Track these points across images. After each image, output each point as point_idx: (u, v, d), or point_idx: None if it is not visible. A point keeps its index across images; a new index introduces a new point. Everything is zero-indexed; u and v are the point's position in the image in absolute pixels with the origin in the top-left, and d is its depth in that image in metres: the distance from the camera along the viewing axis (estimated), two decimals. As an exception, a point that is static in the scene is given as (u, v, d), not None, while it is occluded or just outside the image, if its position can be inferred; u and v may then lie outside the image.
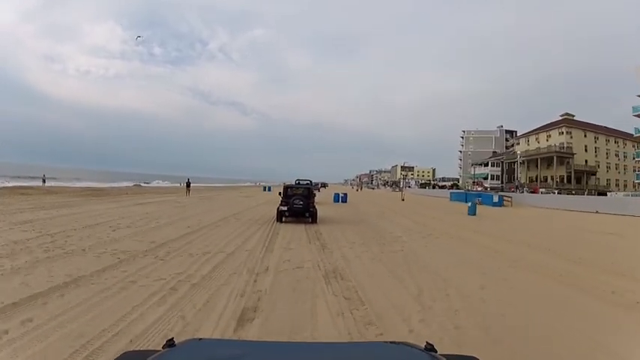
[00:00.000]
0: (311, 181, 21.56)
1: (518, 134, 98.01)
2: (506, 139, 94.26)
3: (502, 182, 74.99)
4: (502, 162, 75.60)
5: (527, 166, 69.77)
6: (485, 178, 74.48)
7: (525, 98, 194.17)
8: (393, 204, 33.78)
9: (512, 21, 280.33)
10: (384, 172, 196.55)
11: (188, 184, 34.87)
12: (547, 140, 69.16)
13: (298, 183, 19.98)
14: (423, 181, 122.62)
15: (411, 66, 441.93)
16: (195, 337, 3.31)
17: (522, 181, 70.86)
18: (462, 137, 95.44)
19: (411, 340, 1.71)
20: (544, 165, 66.73)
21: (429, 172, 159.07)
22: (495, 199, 37.52)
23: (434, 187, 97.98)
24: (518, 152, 60.85)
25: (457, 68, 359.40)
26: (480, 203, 38.72)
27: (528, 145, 72.13)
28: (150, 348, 3.21)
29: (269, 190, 55.41)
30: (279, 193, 18.12)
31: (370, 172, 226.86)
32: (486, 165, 76.04)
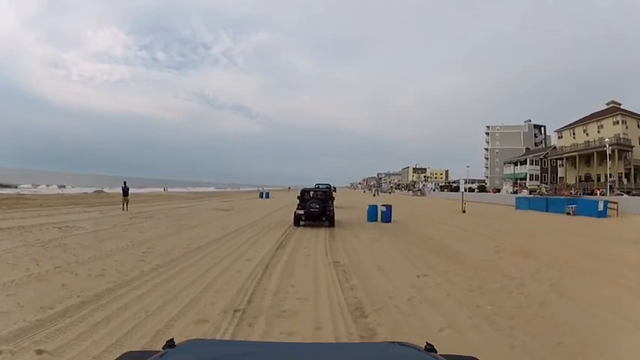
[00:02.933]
0: (330, 185, 19.79)
1: (547, 128, 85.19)
2: (535, 135, 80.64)
3: (541, 182, 61.45)
4: (541, 159, 62.04)
5: (575, 163, 56.27)
6: (524, 179, 60.96)
7: (527, 99, 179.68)
8: (460, 220, 20.79)
9: (516, 23, 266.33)
10: (393, 174, 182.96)
11: (125, 192, 21.75)
12: (599, 132, 55.53)
13: (317, 187, 18.37)
14: (443, 184, 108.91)
15: (415, 68, 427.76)
16: (195, 337, 2.72)
17: (570, 182, 57.63)
18: (487, 133, 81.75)
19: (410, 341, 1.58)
20: (596, 161, 53.35)
21: (441, 174, 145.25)
22: (600, 206, 24.30)
23: (457, 190, 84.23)
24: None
25: (460, 71, 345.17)
26: (574, 213, 25.59)
27: (574, 138, 58.41)
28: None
29: (266, 196, 42.23)
30: (297, 197, 16.67)
31: (378, 174, 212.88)
32: (523, 163, 62.41)
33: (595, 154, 52.06)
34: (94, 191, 47.14)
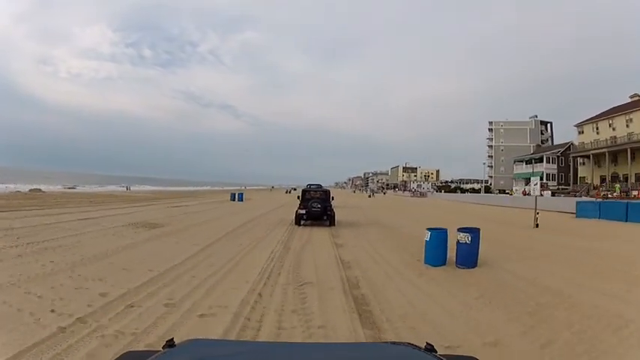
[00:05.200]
0: (321, 185, 18.42)
1: (553, 125, 77.94)
2: (541, 132, 72.92)
3: (559, 182, 53.28)
4: (558, 157, 53.87)
5: (599, 161, 48.26)
6: (541, 178, 52.52)
7: (521, 99, 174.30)
8: (580, 250, 11.38)
9: (509, 25, 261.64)
10: (381, 174, 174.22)
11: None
12: (627, 126, 47.68)
13: (309, 187, 17.50)
14: (438, 184, 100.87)
15: (404, 70, 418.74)
16: (195, 337, 2.37)
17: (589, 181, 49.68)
18: (490, 129, 73.57)
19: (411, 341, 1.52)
20: (629, 158, 45.56)
21: (432, 174, 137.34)
22: None
23: (455, 191, 75.93)
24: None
25: (452, 71, 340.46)
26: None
27: (598, 133, 50.42)
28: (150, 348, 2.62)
29: (240, 198, 32.03)
30: (298, 197, 17.19)
31: (365, 174, 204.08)
32: (538, 161, 54.07)
33: (628, 150, 44.09)
34: (30, 190, 38.03)
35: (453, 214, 23.95)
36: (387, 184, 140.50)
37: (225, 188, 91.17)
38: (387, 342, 1.89)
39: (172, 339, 1.36)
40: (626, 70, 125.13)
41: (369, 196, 58.34)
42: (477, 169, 79.73)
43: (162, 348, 1.30)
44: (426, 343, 1.37)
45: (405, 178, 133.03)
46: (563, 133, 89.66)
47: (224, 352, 1.39)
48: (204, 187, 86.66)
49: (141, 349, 2.99)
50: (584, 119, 53.18)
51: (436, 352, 1.30)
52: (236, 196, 32.40)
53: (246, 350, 1.47)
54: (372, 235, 13.22)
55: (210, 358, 1.26)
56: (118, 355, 1.36)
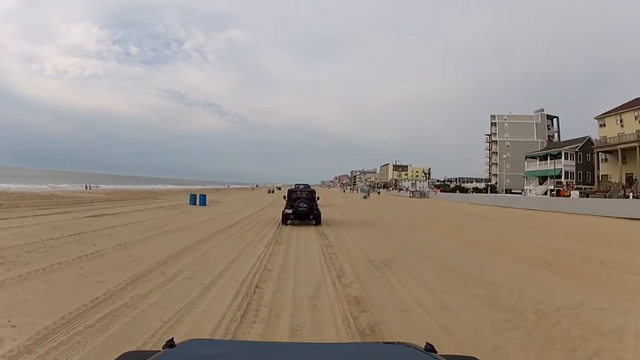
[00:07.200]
0: (309, 185, 18.49)
1: (560, 119, 72.91)
2: (548, 127, 67.62)
3: (577, 180, 47.56)
4: (577, 152, 48.20)
5: (625, 158, 42.75)
6: (559, 176, 46.85)
7: (505, 100, 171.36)
8: None
9: (492, 25, 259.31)
10: (369, 172, 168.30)
11: None
12: (657, 118, 42.37)
13: (297, 187, 17.83)
14: (436, 183, 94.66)
15: (391, 69, 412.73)
16: (196, 337, 2.48)
17: (615, 180, 44.18)
18: (493, 123, 67.76)
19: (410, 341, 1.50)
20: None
21: (425, 172, 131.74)
22: None
23: (455, 190, 69.90)
24: None
25: (433, 71, 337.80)
26: None
27: (622, 126, 44.91)
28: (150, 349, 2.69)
29: (202, 202, 23.81)
30: (284, 197, 17.17)
31: (352, 173, 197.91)
32: (555, 157, 48.16)
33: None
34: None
35: (510, 227, 17.24)
36: (377, 183, 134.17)
37: (207, 187, 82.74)
38: (386, 342, 1.78)
39: (172, 339, 1.33)
40: (622, 66, 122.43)
41: (364, 197, 51.24)
42: (472, 167, 73.65)
43: (162, 348, 1.28)
44: (426, 343, 1.34)
45: (395, 177, 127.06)
46: (568, 129, 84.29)
47: (224, 352, 1.36)
48: (196, 187, 77.56)
49: (140, 349, 2.92)
50: (606, 111, 47.67)
51: (436, 352, 1.29)
52: (197, 199, 23.88)
53: (245, 350, 1.46)
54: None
55: (209, 358, 1.24)
56: (117, 356, 1.31)
